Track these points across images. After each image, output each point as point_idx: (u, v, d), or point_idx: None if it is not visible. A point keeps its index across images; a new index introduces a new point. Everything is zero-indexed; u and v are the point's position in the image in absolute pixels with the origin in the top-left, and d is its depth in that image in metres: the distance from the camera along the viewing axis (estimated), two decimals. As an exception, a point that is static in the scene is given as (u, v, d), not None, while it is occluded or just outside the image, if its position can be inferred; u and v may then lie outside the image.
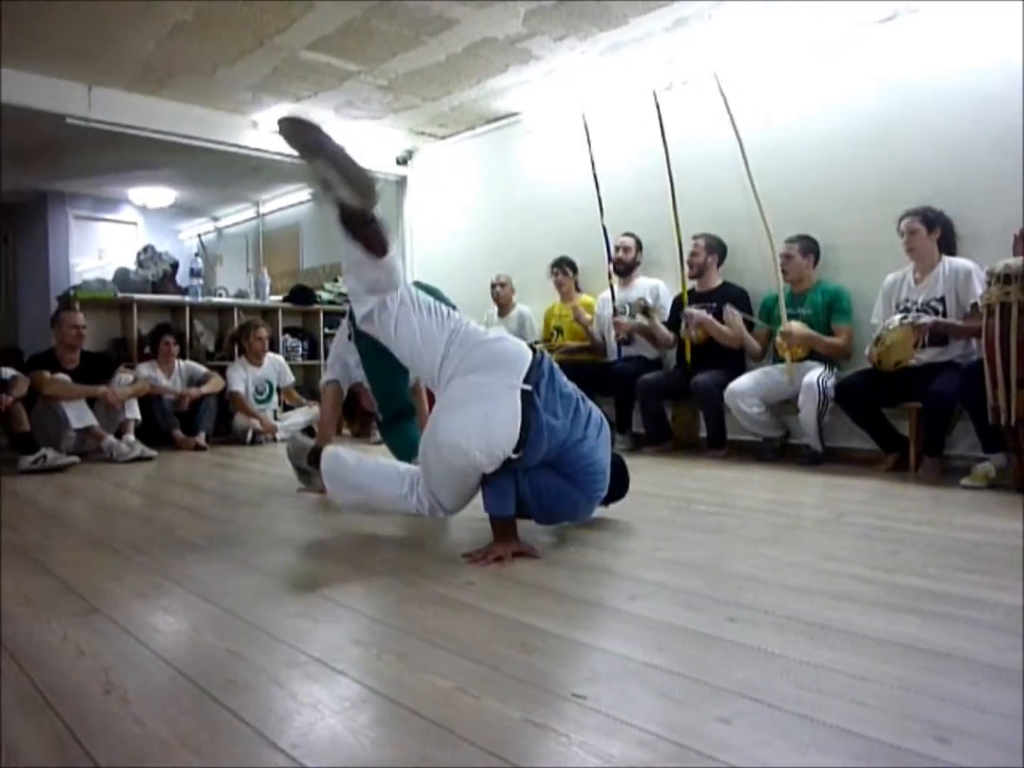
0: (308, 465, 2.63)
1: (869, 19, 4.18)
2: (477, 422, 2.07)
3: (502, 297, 5.74)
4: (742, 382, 4.24)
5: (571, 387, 2.31)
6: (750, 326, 4.49)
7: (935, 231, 3.76)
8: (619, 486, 2.57)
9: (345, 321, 3.48)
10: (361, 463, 2.43)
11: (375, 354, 2.80)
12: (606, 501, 2.54)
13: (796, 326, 4.15)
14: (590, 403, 2.35)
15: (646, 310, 4.89)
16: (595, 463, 2.28)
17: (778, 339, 4.21)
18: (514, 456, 2.11)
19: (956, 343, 3.68)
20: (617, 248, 5.10)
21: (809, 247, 4.29)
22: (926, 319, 3.61)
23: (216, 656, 1.48)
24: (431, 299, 2.32)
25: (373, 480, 2.39)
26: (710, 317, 4.53)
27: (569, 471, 2.25)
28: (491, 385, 2.12)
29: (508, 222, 6.21)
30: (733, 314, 4.43)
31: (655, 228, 5.05)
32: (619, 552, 2.28)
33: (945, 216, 3.79)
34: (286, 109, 5.95)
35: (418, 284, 2.74)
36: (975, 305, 3.48)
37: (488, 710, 1.22)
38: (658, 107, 4.64)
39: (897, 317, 3.66)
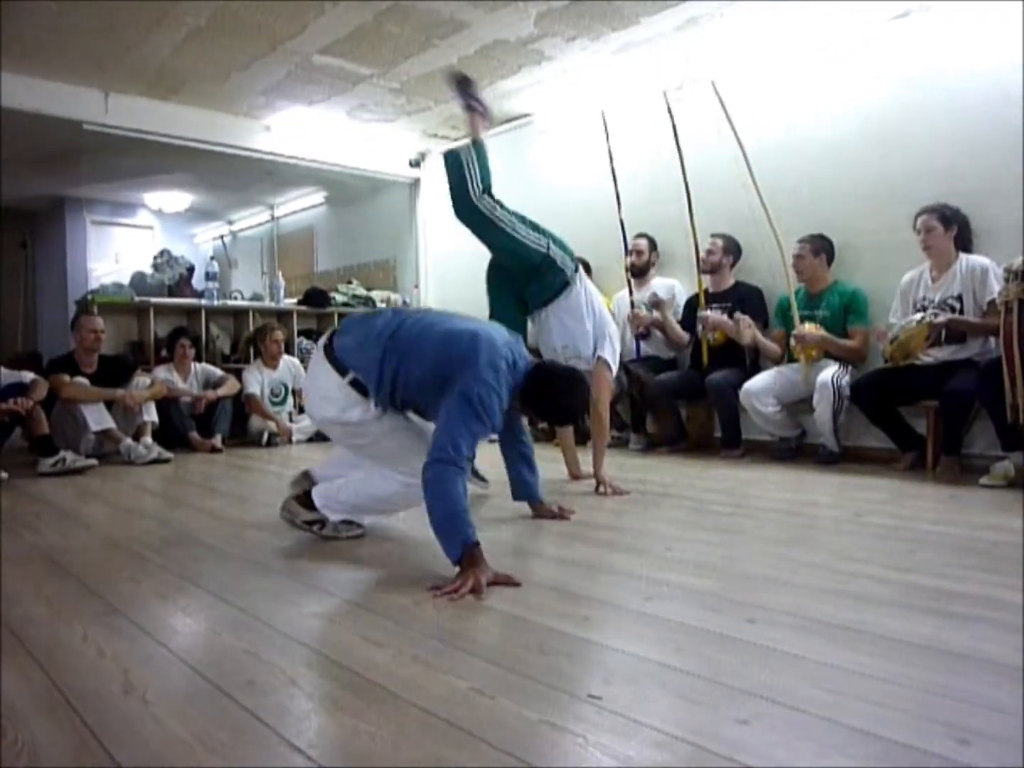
0: (309, 512, 2.45)
1: (881, 17, 4.15)
2: (313, 392, 2.43)
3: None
4: (757, 381, 4.22)
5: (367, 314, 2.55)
6: (763, 327, 4.47)
7: (952, 228, 3.73)
8: (551, 403, 2.31)
9: None
10: (349, 482, 2.43)
11: None
12: (553, 420, 2.67)
13: (809, 328, 4.13)
14: (405, 311, 2.46)
15: (657, 304, 4.89)
16: (436, 331, 2.23)
17: (792, 342, 4.20)
18: (369, 397, 2.23)
19: (974, 341, 3.64)
20: (631, 251, 5.10)
21: (821, 247, 4.25)
22: (942, 317, 3.58)
23: (234, 656, 1.49)
24: None
25: (368, 488, 2.39)
26: (724, 317, 4.51)
27: (437, 378, 2.15)
28: (312, 366, 2.47)
29: (521, 223, 6.20)
30: (746, 323, 4.39)
31: (669, 228, 5.05)
32: (635, 553, 2.27)
33: (962, 214, 3.76)
34: (299, 113, 5.99)
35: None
36: (992, 303, 3.45)
37: (504, 711, 1.22)
38: (669, 109, 4.63)
39: (916, 316, 3.63)
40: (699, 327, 4.64)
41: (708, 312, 4.57)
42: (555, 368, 2.36)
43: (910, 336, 3.61)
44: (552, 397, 2.28)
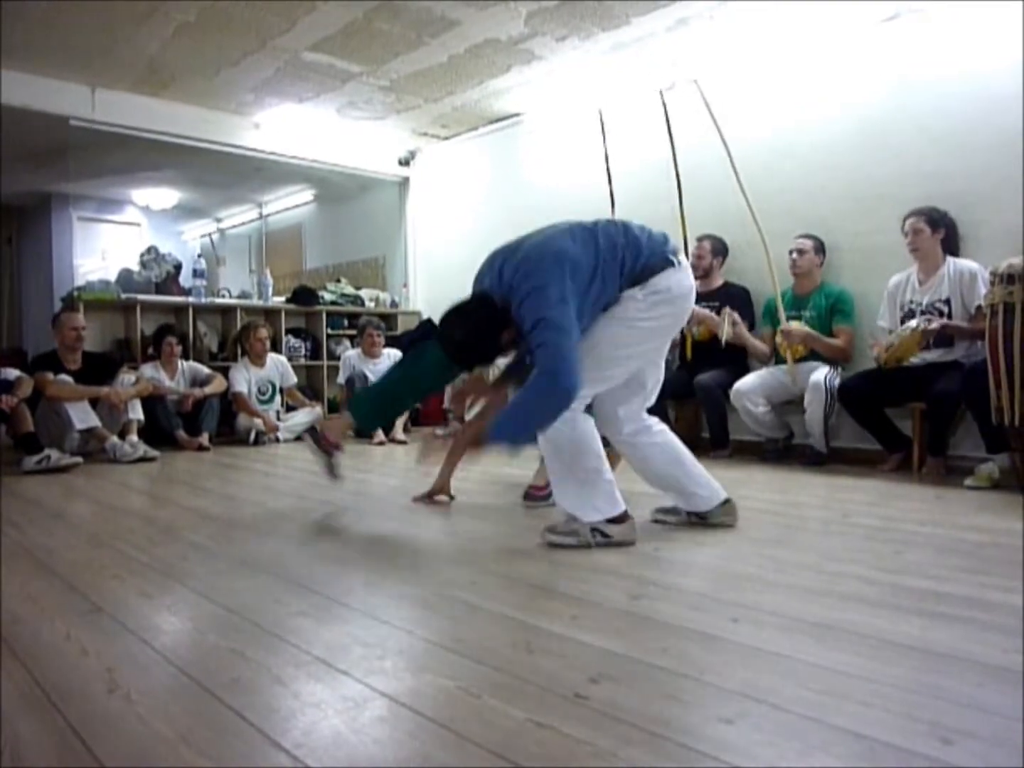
0: None
1: (872, 19, 4.17)
2: None
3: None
4: (748, 381, 4.24)
5: None
6: (750, 327, 4.49)
7: (939, 231, 3.75)
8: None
9: None
10: None
11: None
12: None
13: (796, 325, 4.16)
14: None
15: None
16: None
17: (778, 339, 4.22)
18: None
19: (960, 343, 3.67)
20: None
21: (819, 246, 4.29)
22: (935, 324, 3.59)
23: (219, 655, 1.48)
24: None
25: None
26: (710, 313, 4.53)
27: None
28: None
29: (512, 223, 6.11)
30: (731, 318, 4.41)
31: (658, 227, 5.04)
32: (622, 552, 2.27)
33: (950, 217, 3.78)
34: (289, 110, 5.96)
35: None
36: (980, 307, 3.47)
37: (491, 710, 1.22)
38: (664, 107, 4.60)
39: (912, 323, 3.64)
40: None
41: (694, 306, 4.58)
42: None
43: (904, 342, 3.63)
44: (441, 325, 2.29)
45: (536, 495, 2.98)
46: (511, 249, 2.27)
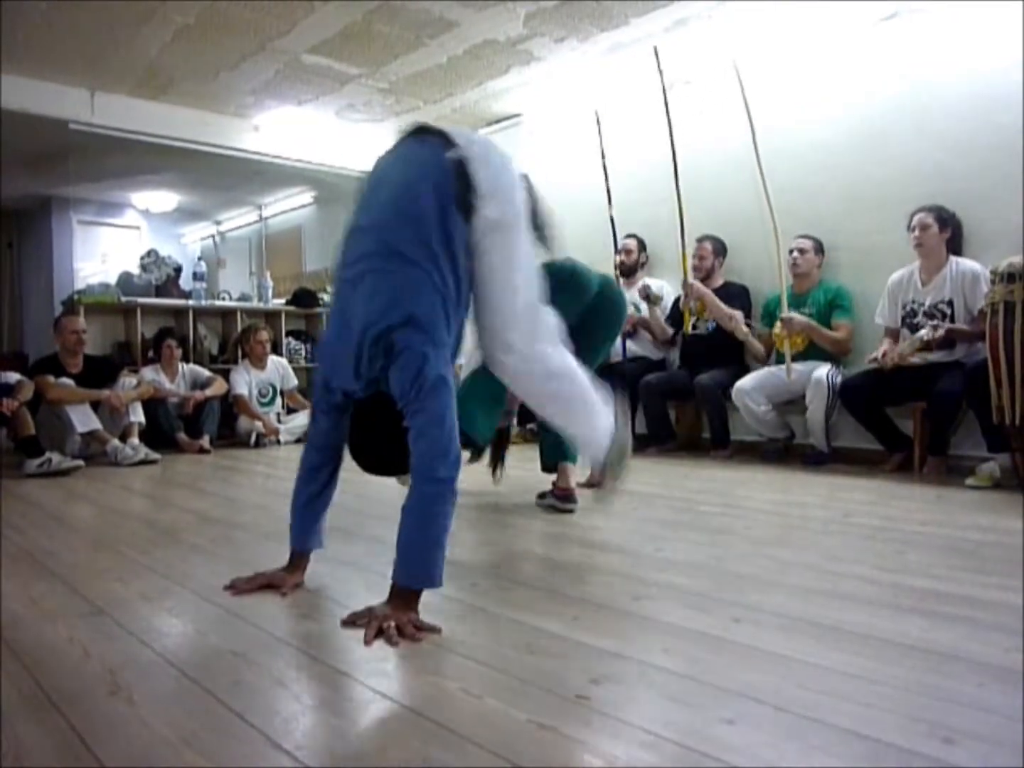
0: None
1: (870, 18, 4.17)
2: None
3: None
4: (748, 381, 4.25)
5: None
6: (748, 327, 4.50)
7: (946, 230, 3.74)
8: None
9: None
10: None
11: None
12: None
13: (797, 315, 4.17)
14: None
15: (648, 296, 4.90)
16: None
17: (777, 328, 4.22)
18: None
19: (962, 344, 3.67)
20: (620, 251, 5.12)
21: (818, 246, 4.30)
22: (941, 330, 3.58)
23: (221, 658, 1.48)
24: None
25: None
26: (708, 290, 4.54)
27: None
28: None
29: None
30: (734, 318, 4.44)
31: (657, 229, 5.06)
32: (623, 553, 2.27)
33: (957, 218, 3.78)
34: (288, 113, 5.97)
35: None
36: (982, 309, 3.46)
37: (492, 711, 1.22)
38: (658, 60, 4.46)
39: (920, 333, 3.61)
40: (683, 296, 4.65)
41: (694, 281, 4.60)
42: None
43: (910, 346, 3.63)
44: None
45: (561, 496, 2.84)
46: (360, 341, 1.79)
